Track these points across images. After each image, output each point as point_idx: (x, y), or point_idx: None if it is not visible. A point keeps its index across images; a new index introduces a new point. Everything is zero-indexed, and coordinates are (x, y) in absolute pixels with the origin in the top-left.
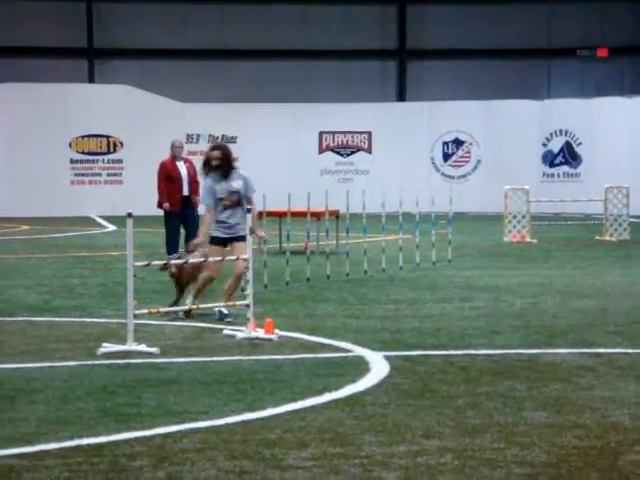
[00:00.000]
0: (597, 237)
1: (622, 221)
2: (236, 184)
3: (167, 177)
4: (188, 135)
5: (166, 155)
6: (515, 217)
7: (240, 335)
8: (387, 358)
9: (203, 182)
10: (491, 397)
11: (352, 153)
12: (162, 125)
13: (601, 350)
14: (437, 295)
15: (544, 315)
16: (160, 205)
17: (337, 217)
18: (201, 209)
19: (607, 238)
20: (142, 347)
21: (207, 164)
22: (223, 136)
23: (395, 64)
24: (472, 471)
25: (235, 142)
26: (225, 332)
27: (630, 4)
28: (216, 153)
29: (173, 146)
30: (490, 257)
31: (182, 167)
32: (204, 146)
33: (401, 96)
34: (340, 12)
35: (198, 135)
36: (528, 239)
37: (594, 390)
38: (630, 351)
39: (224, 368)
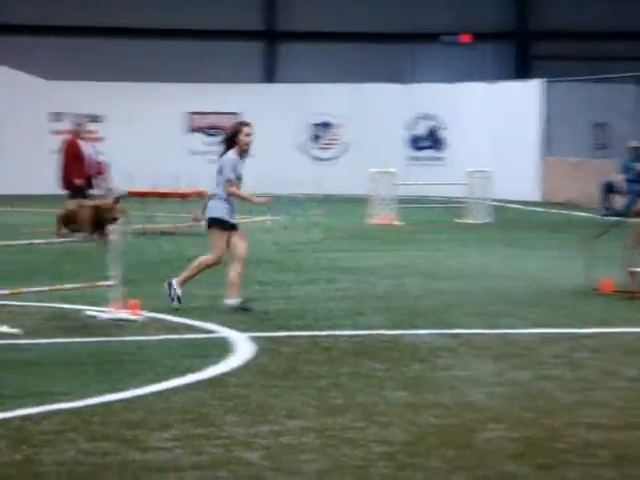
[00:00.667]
0: (459, 220)
1: (483, 204)
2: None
3: (75, 156)
4: (52, 113)
5: (27, 133)
6: (381, 200)
7: (104, 316)
8: (253, 339)
9: (225, 158)
10: (353, 377)
11: (219, 135)
12: (24, 103)
13: (460, 331)
14: (303, 277)
15: (406, 296)
16: (70, 183)
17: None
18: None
19: (469, 221)
20: (4, 328)
21: (234, 139)
22: (89, 115)
23: (265, 45)
24: (333, 450)
25: (101, 122)
26: (88, 313)
27: None
28: (251, 130)
29: (78, 125)
30: (356, 239)
31: (86, 146)
32: (68, 125)
33: (271, 78)
34: None
35: (61, 113)
36: (394, 221)
37: (452, 370)
38: (487, 331)
39: (87, 349)
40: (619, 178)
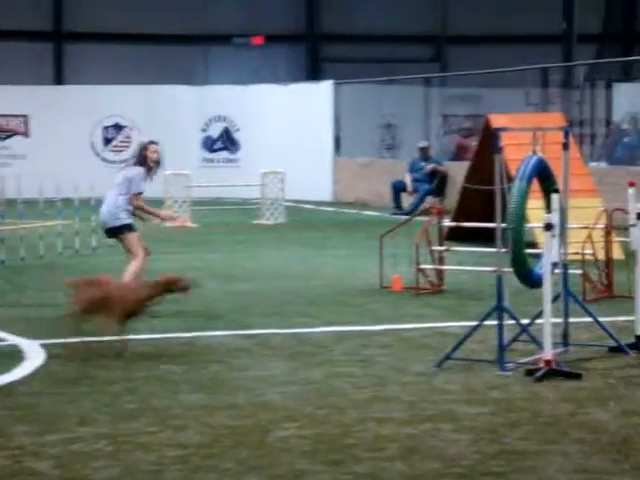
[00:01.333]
0: (255, 221)
1: (278, 205)
2: None
3: None
4: None
5: None
6: (176, 202)
7: None
8: (44, 346)
9: (135, 171)
10: (148, 381)
11: (8, 137)
12: None
13: (256, 331)
14: None
15: (202, 299)
16: None
17: None
18: None
19: (264, 222)
20: None
21: (142, 157)
22: None
23: (52, 46)
24: (125, 455)
25: None
26: None
27: None
28: (158, 148)
29: None
30: (152, 241)
31: None
32: None
33: (59, 79)
34: None
35: None
36: (188, 223)
37: (248, 370)
38: (282, 331)
39: None
40: (408, 178)
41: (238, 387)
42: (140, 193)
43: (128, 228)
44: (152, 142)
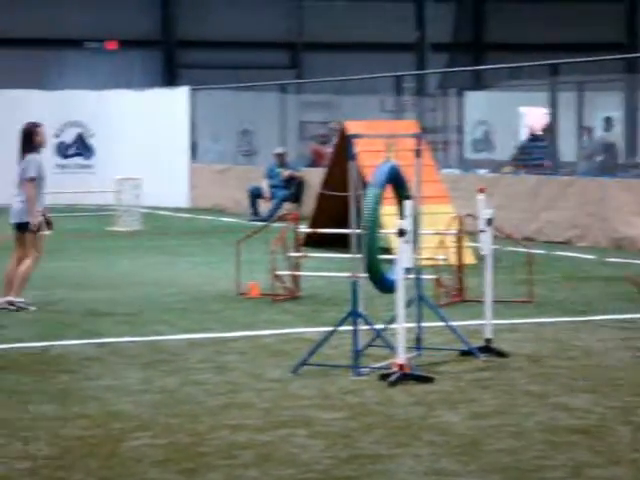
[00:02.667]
0: (109, 228)
1: (133, 212)
2: None
3: None
4: None
5: None
6: None
7: None
8: None
9: (30, 158)
10: None
11: None
12: None
13: (109, 340)
14: None
15: (56, 307)
16: None
17: None
18: None
19: (119, 229)
20: None
21: (30, 141)
22: None
23: None
24: None
25: None
26: None
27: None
28: (44, 129)
29: None
30: None
31: None
32: None
33: None
34: None
35: None
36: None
37: (101, 380)
38: (136, 339)
39: None
40: (265, 184)
41: (90, 397)
42: (33, 179)
43: (27, 226)
44: (37, 124)
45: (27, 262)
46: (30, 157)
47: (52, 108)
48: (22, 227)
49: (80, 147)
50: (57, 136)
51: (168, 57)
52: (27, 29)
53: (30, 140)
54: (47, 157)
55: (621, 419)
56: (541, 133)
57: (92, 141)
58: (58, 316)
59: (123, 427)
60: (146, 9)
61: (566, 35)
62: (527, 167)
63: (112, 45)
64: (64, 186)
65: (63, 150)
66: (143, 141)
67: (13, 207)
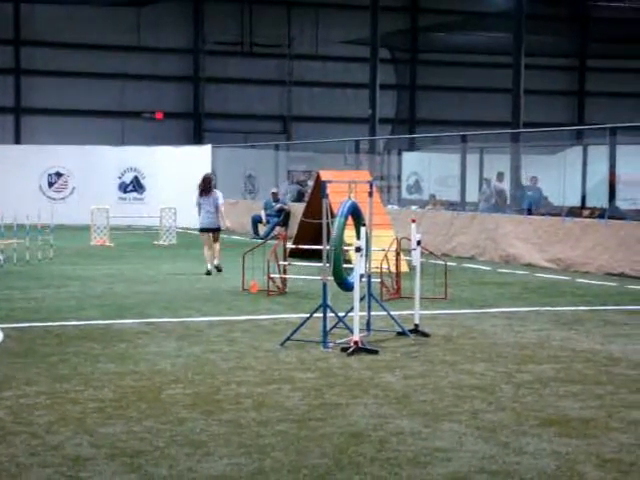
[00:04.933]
0: (155, 242)
1: (172, 231)
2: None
3: None
4: None
5: None
6: (98, 228)
7: None
8: (1, 329)
9: (217, 191)
10: (77, 355)
11: None
12: None
13: (154, 320)
14: (40, 283)
15: (116, 296)
16: None
17: None
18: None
19: (162, 243)
20: None
21: (211, 181)
22: None
23: (13, 118)
24: (59, 407)
25: None
26: None
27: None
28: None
29: None
30: (80, 256)
31: None
32: None
33: (18, 140)
34: None
35: None
36: (108, 243)
37: (148, 347)
38: (172, 320)
39: None
40: (263, 213)
41: (140, 359)
42: (222, 204)
43: None
44: (211, 174)
45: (218, 246)
46: (218, 192)
47: (117, 158)
48: (217, 230)
49: (135, 185)
50: (120, 177)
51: (197, 124)
52: (102, 104)
53: (210, 182)
54: (112, 192)
55: (506, 380)
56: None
57: (144, 181)
58: (119, 302)
59: (163, 380)
60: (183, 91)
61: (472, 114)
62: (444, 205)
63: (159, 115)
64: (125, 212)
65: (124, 187)
66: (179, 181)
67: (208, 219)
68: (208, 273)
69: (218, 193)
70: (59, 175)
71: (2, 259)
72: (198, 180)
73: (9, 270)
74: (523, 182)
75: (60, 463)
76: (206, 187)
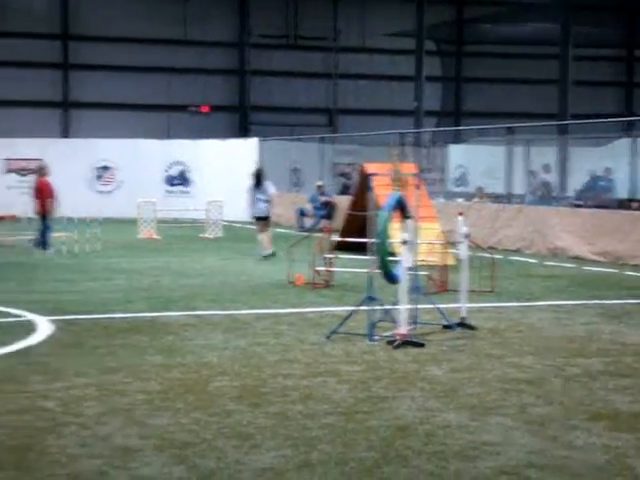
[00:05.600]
0: (201, 235)
1: (218, 224)
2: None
3: None
4: None
5: None
6: (145, 221)
7: None
8: (51, 321)
9: (267, 182)
10: (124, 347)
11: (28, 174)
12: None
13: (200, 312)
14: (88, 276)
15: (163, 289)
16: None
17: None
18: None
19: (208, 236)
20: None
21: (262, 173)
22: None
23: (62, 112)
24: (108, 399)
25: None
26: None
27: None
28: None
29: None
30: (127, 249)
31: None
32: None
33: (66, 134)
34: None
35: None
36: (155, 236)
37: (195, 339)
38: (219, 312)
39: None
40: (308, 206)
41: (187, 351)
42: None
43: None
44: (261, 167)
45: (264, 236)
46: (268, 183)
47: (164, 152)
48: (266, 218)
49: (182, 179)
50: (167, 171)
51: (243, 117)
52: (149, 97)
53: (261, 174)
54: (159, 185)
55: (554, 373)
56: None
57: (190, 175)
58: (165, 295)
59: (210, 373)
60: (228, 84)
61: (518, 106)
62: (490, 197)
63: (206, 109)
64: (171, 206)
65: (171, 181)
66: (225, 175)
67: (259, 206)
68: (270, 255)
69: (269, 184)
70: (106, 169)
71: (53, 252)
72: (250, 173)
73: (58, 263)
74: (597, 173)
75: (109, 454)
76: (258, 180)
